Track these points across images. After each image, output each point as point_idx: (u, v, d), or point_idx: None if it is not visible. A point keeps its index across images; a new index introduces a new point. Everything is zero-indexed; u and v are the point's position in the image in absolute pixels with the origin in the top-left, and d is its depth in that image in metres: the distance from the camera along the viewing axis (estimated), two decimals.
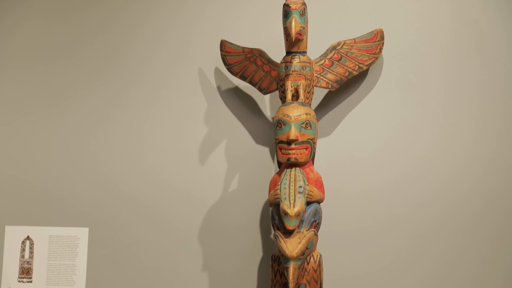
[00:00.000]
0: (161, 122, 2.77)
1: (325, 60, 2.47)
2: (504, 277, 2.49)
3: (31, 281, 2.69)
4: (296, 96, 2.33)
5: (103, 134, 2.80)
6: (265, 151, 2.67)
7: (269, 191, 2.29)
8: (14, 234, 2.72)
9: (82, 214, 2.73)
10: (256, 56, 2.56)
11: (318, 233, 2.24)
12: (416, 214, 2.54)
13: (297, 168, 2.24)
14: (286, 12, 2.31)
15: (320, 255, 2.22)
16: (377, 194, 2.57)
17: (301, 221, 2.16)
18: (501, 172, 2.52)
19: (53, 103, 2.85)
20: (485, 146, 2.55)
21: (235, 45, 2.62)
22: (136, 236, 2.70)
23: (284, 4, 2.32)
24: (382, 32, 2.49)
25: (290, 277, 2.08)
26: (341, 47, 2.48)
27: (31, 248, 2.71)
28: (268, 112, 2.71)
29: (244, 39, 2.71)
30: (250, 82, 2.60)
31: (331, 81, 2.46)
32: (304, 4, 2.32)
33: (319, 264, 2.20)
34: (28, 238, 2.71)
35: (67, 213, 2.73)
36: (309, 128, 2.23)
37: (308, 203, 2.19)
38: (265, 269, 2.60)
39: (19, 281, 2.69)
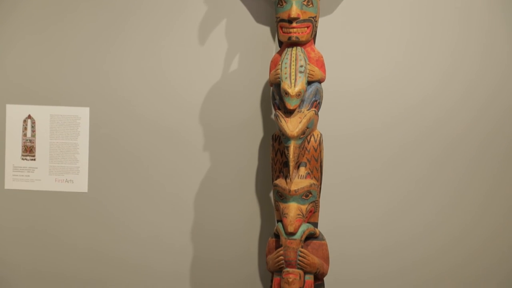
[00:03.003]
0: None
1: None
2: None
3: (34, 159, 2.73)
4: None
5: (100, 16, 2.74)
6: (265, 30, 2.63)
7: (270, 70, 2.29)
8: (15, 112, 2.73)
9: (82, 94, 2.72)
10: None
11: (319, 112, 2.26)
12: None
13: (298, 47, 2.22)
14: None
15: (321, 134, 2.25)
16: (376, 72, 2.59)
17: (302, 101, 2.17)
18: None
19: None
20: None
21: None
22: (136, 115, 2.71)
23: None
24: None
25: (291, 156, 2.12)
26: None
27: (33, 127, 2.73)
28: None
29: None
30: None
31: None
32: None
33: (320, 143, 2.24)
34: (29, 117, 2.72)
35: (67, 93, 2.72)
36: (310, 6, 2.19)
37: (309, 83, 2.19)
38: (265, 148, 2.64)
39: (22, 159, 2.74)
